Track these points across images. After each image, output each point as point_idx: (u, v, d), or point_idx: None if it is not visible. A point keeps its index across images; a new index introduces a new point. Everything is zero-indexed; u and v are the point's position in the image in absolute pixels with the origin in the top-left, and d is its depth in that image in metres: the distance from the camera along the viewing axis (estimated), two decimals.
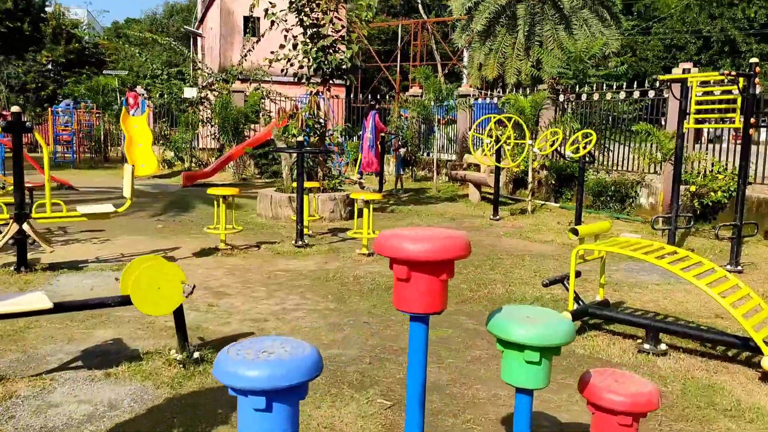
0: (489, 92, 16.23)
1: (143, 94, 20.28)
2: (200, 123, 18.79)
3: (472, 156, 10.66)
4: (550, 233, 9.41)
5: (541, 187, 13.25)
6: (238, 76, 19.85)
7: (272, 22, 9.48)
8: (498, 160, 10.40)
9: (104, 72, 34.31)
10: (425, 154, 17.75)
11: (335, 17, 9.57)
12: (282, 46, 9.35)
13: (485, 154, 10.31)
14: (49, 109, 20.26)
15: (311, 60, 9.47)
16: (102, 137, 21.49)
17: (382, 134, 13.02)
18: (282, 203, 9.58)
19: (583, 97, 12.16)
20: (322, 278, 6.15)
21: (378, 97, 19.96)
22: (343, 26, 9.96)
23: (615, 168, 11.81)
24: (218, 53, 25.50)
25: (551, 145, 9.04)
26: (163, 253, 7.04)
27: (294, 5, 9.34)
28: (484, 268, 6.86)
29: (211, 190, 7.14)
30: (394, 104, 16.15)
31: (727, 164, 10.02)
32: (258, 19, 21.41)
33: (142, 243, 7.64)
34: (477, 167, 14.00)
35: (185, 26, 42.74)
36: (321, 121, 9.84)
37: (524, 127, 10.23)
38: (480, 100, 15.87)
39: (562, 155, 9.65)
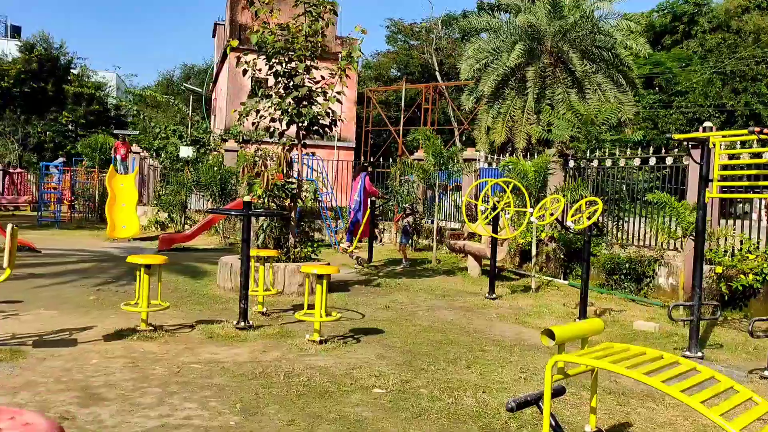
0: (496, 157, 15.17)
1: (140, 153, 19.67)
2: (195, 184, 17.98)
3: (469, 227, 9.44)
4: (552, 317, 8.02)
5: (549, 261, 11.90)
6: (238, 136, 19.18)
7: (244, 71, 8.59)
8: (495, 230, 9.16)
9: (115, 131, 34.29)
10: (429, 221, 16.59)
11: (311, 66, 8.64)
12: (251, 96, 8.40)
13: (480, 224, 9.09)
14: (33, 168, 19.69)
15: (283, 113, 8.49)
16: (97, 196, 20.79)
17: (372, 198, 11.90)
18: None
19: (594, 162, 10.98)
20: (246, 375, 4.86)
21: (381, 160, 19.05)
22: (323, 77, 9.02)
23: (630, 242, 10.46)
24: (225, 114, 25.13)
25: (551, 215, 7.82)
26: (68, 333, 5.83)
27: (266, 51, 8.45)
28: (459, 365, 5.50)
29: (131, 258, 5.98)
30: (394, 167, 15.14)
31: (759, 242, 8.64)
32: (266, 80, 21.01)
33: (53, 319, 6.45)
34: (479, 237, 12.74)
35: (185, 84, 43.11)
36: (292, 180, 8.76)
37: (524, 193, 9.03)
38: (485, 166, 14.78)
39: (564, 226, 8.38)
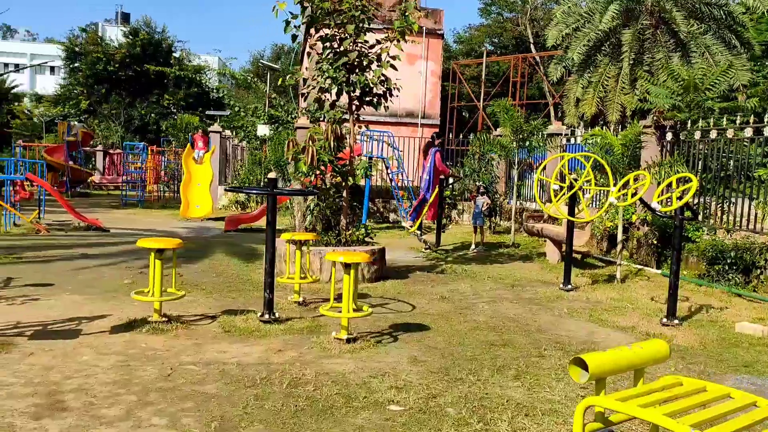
0: (583, 131, 13.68)
1: (221, 133, 19.69)
2: (271, 162, 17.72)
3: (540, 207, 8.30)
4: (636, 315, 6.80)
5: (640, 247, 10.46)
6: (316, 114, 18.71)
7: (293, 36, 7.87)
8: (571, 211, 7.97)
9: (207, 112, 35.16)
10: (510, 202, 15.37)
11: (363, 28, 7.77)
12: (294, 70, 7.68)
13: (553, 205, 7.93)
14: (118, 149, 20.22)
15: (331, 81, 7.71)
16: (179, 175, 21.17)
17: (443, 177, 10.93)
18: (288, 258, 7.75)
19: (697, 134, 9.40)
20: (244, 381, 4.18)
21: (461, 136, 17.95)
22: (378, 41, 8.14)
23: (738, 227, 8.87)
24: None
25: (635, 194, 6.56)
26: (77, 323, 5.41)
27: (312, 14, 7.68)
28: (506, 375, 4.55)
29: (142, 242, 5.45)
30: (472, 144, 14.04)
31: None
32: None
33: (71, 306, 6.09)
34: (561, 220, 11.46)
35: (262, 61, 43.29)
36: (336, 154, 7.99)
37: (607, 169, 7.75)
38: (572, 141, 13.35)
39: (649, 207, 7.08)
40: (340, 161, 8.11)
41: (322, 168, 7.76)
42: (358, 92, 8.00)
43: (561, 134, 13.54)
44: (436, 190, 10.76)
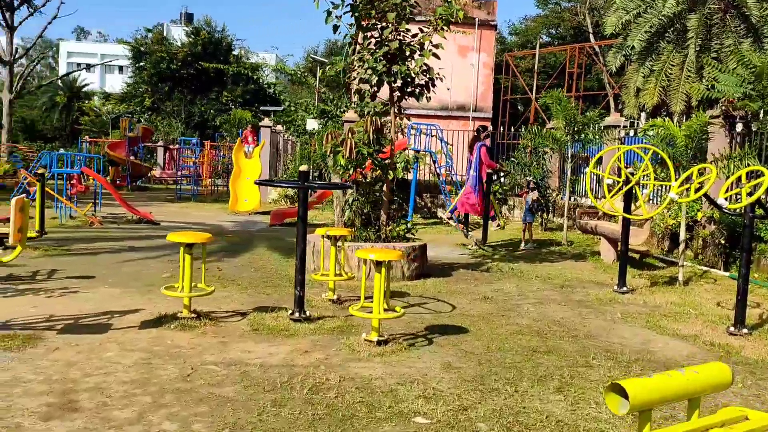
0: (643, 122, 12.93)
1: (271, 127, 19.79)
2: (320, 156, 17.66)
3: (592, 202, 7.79)
4: (699, 322, 6.25)
5: (706, 247, 9.76)
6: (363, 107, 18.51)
7: (335, 27, 7.63)
8: (627, 208, 7.44)
9: (261, 108, 35.61)
10: (562, 197, 14.74)
11: (404, 16, 7.45)
12: (337, 57, 7.45)
13: (607, 201, 7.41)
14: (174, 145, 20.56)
15: (371, 72, 7.44)
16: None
17: (490, 171, 10.50)
18: (326, 253, 7.55)
19: None
20: (264, 385, 3.97)
21: (512, 129, 17.41)
22: (422, 30, 7.82)
23: None
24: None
25: (697, 189, 6.00)
26: (108, 317, 5.35)
27: (353, 2, 7.42)
28: (547, 387, 4.18)
29: (171, 236, 5.33)
30: (523, 137, 13.50)
31: None
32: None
33: (108, 299, 6.06)
34: (617, 217, 10.85)
35: (313, 56, 43.27)
36: (382, 148, 7.72)
37: (668, 162, 7.18)
38: (631, 133, 12.64)
39: (715, 204, 6.48)
40: (383, 155, 7.84)
41: (362, 161, 7.51)
42: (399, 83, 7.70)
43: (618, 126, 12.83)
44: (484, 186, 10.34)
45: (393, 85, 7.75)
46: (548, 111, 26.65)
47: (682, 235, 8.23)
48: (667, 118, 8.43)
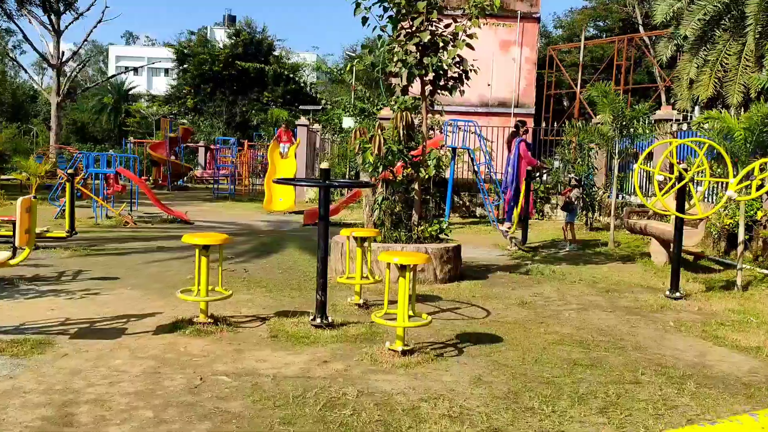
0: (698, 115, 12.14)
1: (309, 126, 19.64)
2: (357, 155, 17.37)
3: (641, 200, 7.23)
4: (761, 332, 5.67)
5: (767, 248, 9.04)
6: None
7: (364, 19, 7.31)
8: (680, 207, 6.86)
9: (300, 107, 35.59)
10: (609, 196, 14.06)
11: (436, 4, 7.06)
12: (365, 47, 7.12)
13: (657, 199, 6.85)
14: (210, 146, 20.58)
15: (401, 65, 7.08)
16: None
17: (530, 169, 9.99)
18: (353, 256, 7.23)
19: None
20: (275, 399, 3.66)
21: (555, 124, 16.78)
22: (455, 20, 7.41)
23: None
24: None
25: (760, 187, 5.41)
26: (125, 321, 5.14)
27: None
28: (589, 406, 3.74)
29: (186, 238, 5.08)
30: (567, 132, 12.90)
31: None
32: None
33: (127, 302, 5.87)
34: (669, 217, 10.19)
35: (350, 53, 42.97)
36: (415, 144, 7.35)
37: (726, 157, 6.59)
38: (684, 127, 11.91)
39: None
40: (415, 153, 7.47)
41: (391, 159, 7.15)
42: (431, 76, 7.30)
43: (671, 120, 12.11)
44: (524, 184, 9.83)
45: (424, 78, 7.36)
46: (594, 106, 25.76)
47: (741, 236, 7.58)
48: (724, 111, 7.77)
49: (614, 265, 9.27)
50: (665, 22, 14.85)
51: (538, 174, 11.96)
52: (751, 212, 9.48)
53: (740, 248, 7.60)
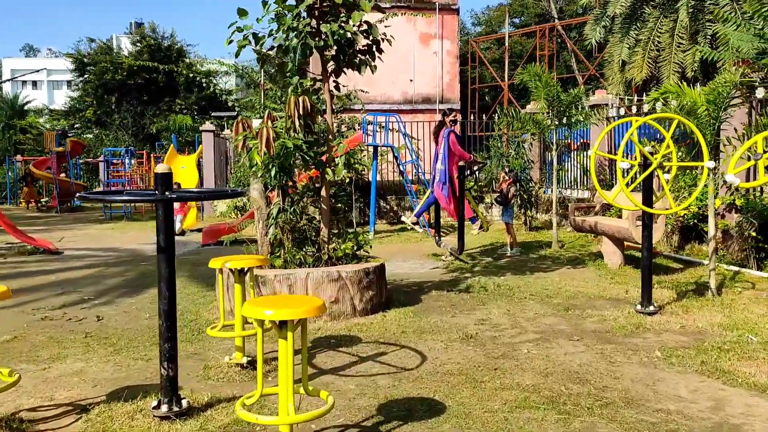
0: (637, 99, 11.13)
1: (213, 131, 17.60)
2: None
3: (600, 193, 5.88)
4: None
5: (730, 241, 7.96)
6: (320, 103, 16.44)
7: None
8: (647, 201, 5.53)
9: (213, 114, 33.16)
10: (547, 191, 12.90)
11: None
12: (241, 12, 5.39)
13: (620, 191, 5.51)
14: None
15: (292, 34, 5.41)
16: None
17: (462, 164, 8.55)
18: (246, 289, 5.48)
19: None
20: None
21: (484, 117, 15.58)
22: None
23: None
24: None
25: None
26: None
27: None
28: None
29: None
30: (498, 123, 11.59)
31: None
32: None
33: None
34: (618, 210, 8.99)
35: (253, 48, 41.17)
36: (317, 139, 5.70)
37: (699, 136, 5.31)
38: (622, 112, 10.81)
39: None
40: (329, 152, 5.82)
41: (286, 158, 5.46)
42: (333, 51, 5.66)
43: (606, 105, 11.00)
44: (455, 182, 8.34)
45: (325, 53, 5.71)
46: (521, 99, 24.93)
47: (711, 229, 6.35)
48: (683, 83, 6.55)
49: (564, 271, 7.94)
50: (590, 4, 13.88)
51: (470, 171, 10.55)
52: (705, 200, 8.41)
53: (711, 245, 6.36)
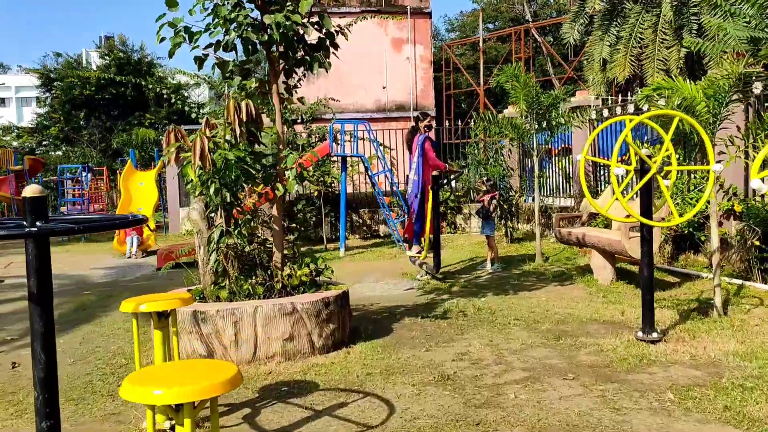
0: (621, 100, 10.51)
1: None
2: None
3: (591, 204, 5.16)
4: None
5: (729, 250, 7.31)
6: (288, 113, 15.64)
7: None
8: (647, 211, 4.82)
9: (183, 127, 32.10)
10: (528, 200, 12.22)
11: None
12: (170, 3, 4.58)
13: (613, 200, 4.80)
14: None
15: (231, 27, 4.62)
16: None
17: (437, 174, 7.80)
18: (183, 327, 4.66)
19: None
20: None
21: (459, 123, 14.93)
22: None
23: None
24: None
25: None
26: None
27: None
28: None
29: None
30: (475, 127, 10.87)
31: None
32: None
33: None
34: (608, 221, 8.31)
35: (215, 54, 40.36)
36: (261, 151, 4.91)
37: (704, 136, 4.64)
38: (606, 114, 10.17)
39: None
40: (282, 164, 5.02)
41: (228, 172, 4.65)
42: (281, 48, 4.89)
43: (588, 106, 10.36)
44: (430, 194, 7.58)
45: (272, 51, 4.93)
46: (498, 105, 24.37)
47: (715, 239, 5.66)
48: (677, 78, 5.89)
49: (551, 289, 7.21)
50: (565, 6, 13.27)
51: (446, 180, 9.81)
52: (702, 207, 7.77)
53: (715, 258, 5.67)
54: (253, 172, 4.79)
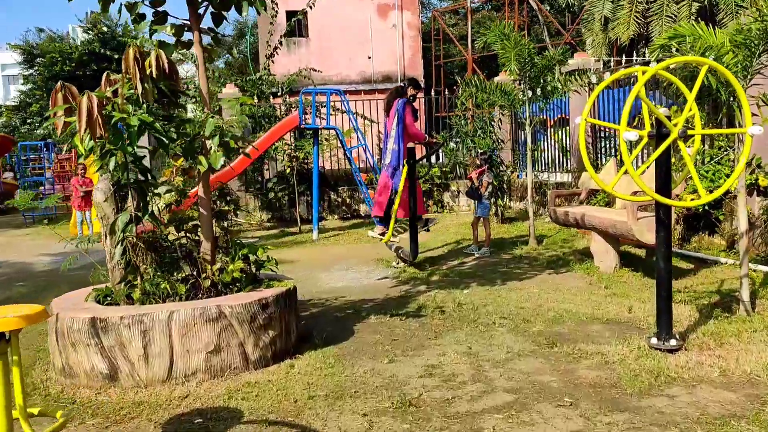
0: (625, 61, 9.43)
1: None
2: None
3: (593, 178, 4.16)
4: None
5: (752, 232, 6.33)
6: (266, 85, 14.55)
7: None
8: (662, 187, 3.82)
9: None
10: (521, 175, 11.20)
11: None
12: None
13: (622, 173, 3.82)
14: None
15: None
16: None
17: (415, 144, 6.77)
18: (80, 339, 3.68)
19: None
20: None
21: (446, 94, 13.86)
22: None
23: None
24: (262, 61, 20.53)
25: None
26: None
27: None
28: None
29: None
30: (459, 97, 9.80)
31: None
32: (305, 13, 16.05)
33: None
34: (611, 198, 7.33)
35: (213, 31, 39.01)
36: (178, 113, 3.90)
37: (739, 91, 3.64)
38: (607, 75, 9.09)
39: None
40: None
41: (124, 140, 3.63)
42: None
43: (588, 69, 9.28)
44: (405, 168, 6.55)
45: None
46: (491, 76, 23.16)
47: (743, 221, 4.69)
48: (701, 23, 4.88)
49: (545, 278, 6.25)
50: None
51: (424, 155, 8.77)
52: (717, 181, 6.79)
53: (743, 243, 4.69)
54: (166, 141, 3.76)
